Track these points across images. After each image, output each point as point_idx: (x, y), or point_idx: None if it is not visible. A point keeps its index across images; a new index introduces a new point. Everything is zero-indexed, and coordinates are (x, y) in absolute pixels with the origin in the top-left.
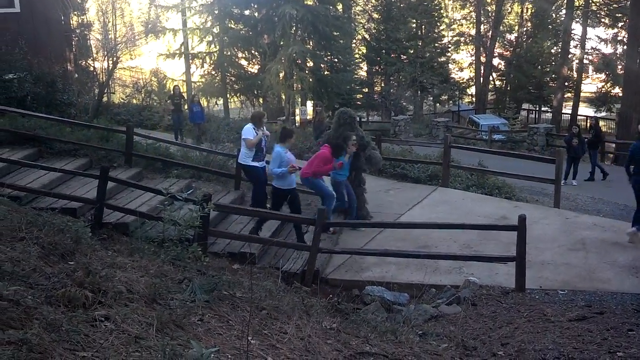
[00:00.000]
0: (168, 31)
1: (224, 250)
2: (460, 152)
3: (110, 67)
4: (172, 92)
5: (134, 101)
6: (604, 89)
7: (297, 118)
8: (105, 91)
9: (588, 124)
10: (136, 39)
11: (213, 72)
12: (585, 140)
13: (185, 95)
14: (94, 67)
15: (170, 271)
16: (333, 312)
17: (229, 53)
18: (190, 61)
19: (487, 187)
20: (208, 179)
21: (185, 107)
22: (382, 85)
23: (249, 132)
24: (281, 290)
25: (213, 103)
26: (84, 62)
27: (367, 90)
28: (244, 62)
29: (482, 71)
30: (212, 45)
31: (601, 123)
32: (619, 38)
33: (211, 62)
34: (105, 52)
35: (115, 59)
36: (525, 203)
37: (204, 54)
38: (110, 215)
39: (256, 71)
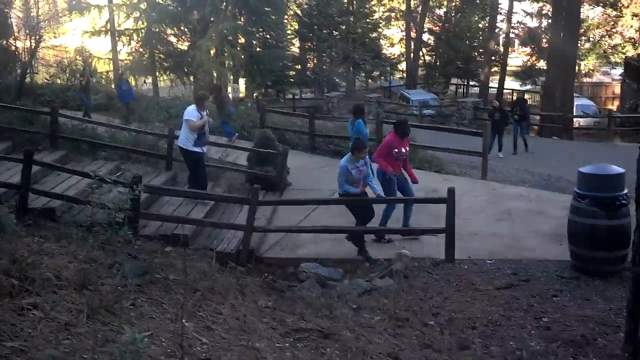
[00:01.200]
0: (93, 8)
1: (156, 233)
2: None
3: (32, 46)
4: (82, 70)
5: (59, 81)
6: (529, 63)
7: (230, 96)
8: (28, 71)
9: (513, 98)
10: (60, 16)
11: (141, 50)
12: (515, 116)
13: (111, 74)
14: (15, 46)
15: (100, 256)
16: (268, 291)
17: (157, 30)
18: (117, 38)
19: (417, 161)
20: (137, 160)
21: (114, 86)
22: (315, 62)
23: (192, 113)
24: (215, 271)
25: (142, 81)
26: (4, 42)
27: (299, 67)
28: (173, 39)
29: (412, 46)
30: (140, 22)
31: (526, 96)
32: (544, 12)
33: (139, 39)
34: (27, 31)
35: (38, 37)
36: (454, 176)
37: (131, 31)
38: (35, 201)
39: (186, 48)
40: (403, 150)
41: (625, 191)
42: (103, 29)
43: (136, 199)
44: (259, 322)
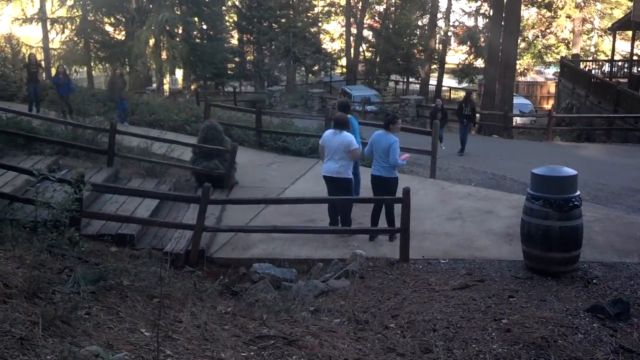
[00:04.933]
0: None
1: (99, 232)
2: None
3: None
4: (27, 60)
5: None
6: (467, 61)
7: (166, 87)
8: None
9: (451, 95)
10: None
11: (75, 39)
12: (465, 114)
13: (43, 63)
14: None
15: (48, 260)
16: (227, 295)
17: (92, 18)
18: (50, 26)
19: (366, 159)
20: (77, 155)
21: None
22: (255, 55)
23: (355, 141)
24: (171, 275)
25: (74, 71)
26: None
27: (238, 59)
28: (109, 28)
29: (352, 42)
30: (74, 10)
31: (462, 93)
32: (481, 11)
33: (73, 27)
34: None
35: None
36: (403, 174)
37: (65, 19)
38: None
39: (123, 38)
40: None
41: (578, 193)
42: (35, 16)
43: (80, 198)
44: (220, 330)
